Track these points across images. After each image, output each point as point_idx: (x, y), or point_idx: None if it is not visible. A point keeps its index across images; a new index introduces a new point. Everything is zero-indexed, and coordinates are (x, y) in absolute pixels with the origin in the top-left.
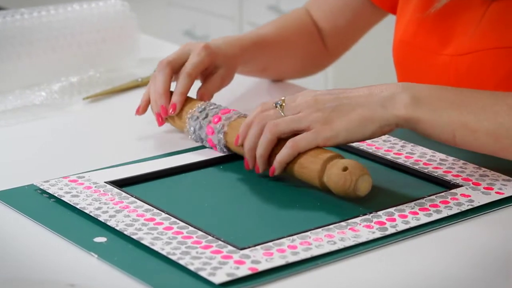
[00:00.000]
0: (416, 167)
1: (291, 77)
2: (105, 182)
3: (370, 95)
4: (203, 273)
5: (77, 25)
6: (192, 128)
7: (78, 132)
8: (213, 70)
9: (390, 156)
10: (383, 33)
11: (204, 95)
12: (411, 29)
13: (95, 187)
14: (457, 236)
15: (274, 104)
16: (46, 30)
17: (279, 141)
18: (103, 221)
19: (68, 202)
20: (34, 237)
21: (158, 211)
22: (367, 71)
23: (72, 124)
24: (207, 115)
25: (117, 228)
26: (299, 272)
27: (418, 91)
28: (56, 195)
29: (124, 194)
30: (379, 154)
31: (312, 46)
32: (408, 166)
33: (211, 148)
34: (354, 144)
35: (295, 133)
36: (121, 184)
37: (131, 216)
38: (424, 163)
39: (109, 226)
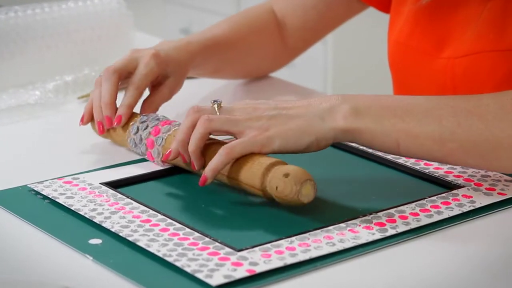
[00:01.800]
0: (417, 167)
1: (246, 77)
2: (100, 183)
3: (309, 106)
4: (200, 275)
5: (72, 23)
6: (133, 142)
7: (73, 132)
8: (162, 79)
9: (391, 156)
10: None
11: (149, 108)
12: (407, 29)
13: (90, 188)
14: (459, 238)
15: (211, 101)
16: (41, 28)
17: (212, 148)
18: (98, 222)
19: (63, 203)
20: (27, 238)
21: (154, 212)
22: (367, 72)
23: (67, 124)
24: (147, 127)
25: (113, 230)
26: (298, 275)
27: (358, 101)
28: (50, 196)
29: (119, 195)
30: (379, 154)
31: (270, 45)
32: (408, 167)
33: (152, 162)
34: (353, 144)
35: (227, 137)
36: (116, 185)
37: (127, 217)
38: (425, 164)
39: (104, 227)
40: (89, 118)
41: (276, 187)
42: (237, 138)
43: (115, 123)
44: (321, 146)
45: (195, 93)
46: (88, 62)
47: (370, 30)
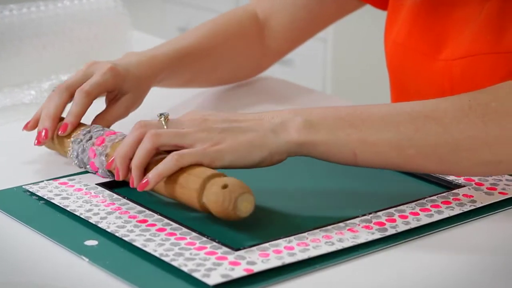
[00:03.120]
0: None
1: (220, 85)
2: (96, 184)
3: (260, 121)
4: (197, 275)
5: (68, 21)
6: (75, 152)
7: None
8: (118, 95)
9: None
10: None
11: (101, 123)
12: (405, 29)
13: (86, 189)
14: (459, 237)
15: (158, 115)
16: (36, 27)
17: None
18: (94, 223)
19: (58, 204)
20: (22, 240)
21: (150, 212)
22: (366, 70)
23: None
24: (91, 137)
25: (109, 230)
26: (296, 274)
27: (311, 114)
28: (45, 197)
29: (115, 195)
30: None
31: (249, 51)
32: None
33: (94, 173)
34: None
35: (176, 149)
36: (112, 186)
37: (123, 217)
38: None
39: (100, 229)
40: (33, 126)
41: (213, 200)
42: None
43: (60, 132)
44: (274, 161)
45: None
46: (84, 61)
47: (370, 28)
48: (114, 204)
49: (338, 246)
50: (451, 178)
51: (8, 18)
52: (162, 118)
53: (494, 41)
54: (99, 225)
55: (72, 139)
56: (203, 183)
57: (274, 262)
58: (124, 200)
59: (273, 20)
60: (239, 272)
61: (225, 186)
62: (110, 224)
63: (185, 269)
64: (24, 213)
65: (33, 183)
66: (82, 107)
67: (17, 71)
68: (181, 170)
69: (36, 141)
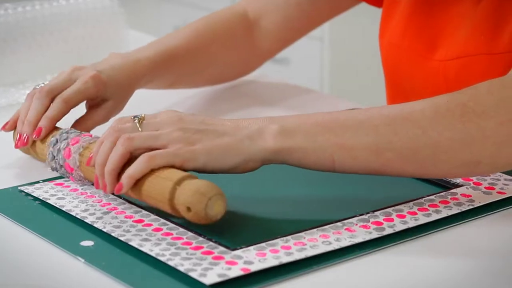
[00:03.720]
0: None
1: (207, 85)
2: (92, 183)
3: (237, 127)
4: (193, 274)
5: (63, 21)
6: (50, 155)
7: None
8: (100, 102)
9: None
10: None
11: (80, 129)
12: (400, 28)
13: (82, 189)
14: (457, 237)
15: (132, 117)
16: (31, 26)
17: (131, 160)
18: (90, 223)
19: (54, 204)
20: (17, 240)
21: (147, 212)
22: (364, 70)
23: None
24: (67, 138)
25: (104, 230)
26: (293, 273)
27: (287, 122)
28: (41, 197)
29: (111, 195)
30: None
31: (237, 51)
32: None
33: (68, 177)
34: None
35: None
36: None
37: (119, 218)
38: None
39: (96, 229)
40: (12, 127)
41: (185, 202)
42: None
43: (34, 136)
44: (248, 168)
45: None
46: (79, 60)
47: (366, 27)
48: (110, 204)
49: (336, 245)
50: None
51: (3, 17)
52: (136, 121)
53: (489, 42)
54: (95, 225)
55: (48, 142)
56: (174, 185)
57: (271, 261)
58: (120, 200)
59: (265, 19)
60: (236, 271)
61: (197, 189)
62: (106, 224)
63: (181, 268)
64: (19, 213)
65: (28, 184)
66: (59, 113)
67: (12, 71)
68: (152, 172)
69: (17, 144)
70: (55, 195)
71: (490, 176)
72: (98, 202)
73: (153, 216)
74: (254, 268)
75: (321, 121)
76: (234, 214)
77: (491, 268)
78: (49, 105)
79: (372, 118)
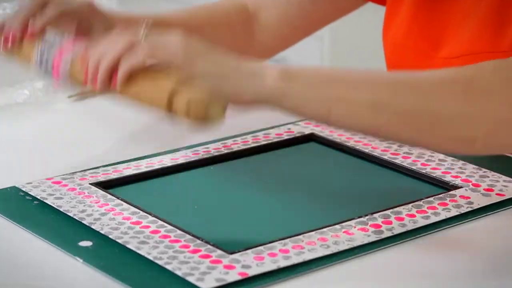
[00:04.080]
0: (414, 167)
1: None
2: (90, 183)
3: (240, 62)
4: (191, 279)
5: None
6: (40, 51)
7: (63, 132)
8: (86, 32)
9: (387, 156)
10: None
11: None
12: (404, 27)
13: (80, 189)
14: (456, 239)
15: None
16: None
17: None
18: (87, 224)
19: (52, 204)
20: (16, 240)
21: (144, 213)
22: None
23: (57, 124)
24: (62, 36)
25: (102, 232)
26: (291, 278)
27: (290, 67)
28: (39, 197)
29: (109, 196)
30: (376, 154)
31: (234, 41)
32: (405, 167)
33: (53, 79)
34: (349, 144)
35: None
36: (106, 185)
37: (117, 219)
38: (422, 164)
39: (95, 230)
40: None
41: (190, 100)
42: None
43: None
44: (240, 101)
45: None
46: None
47: (367, 26)
48: (108, 204)
49: (334, 249)
50: (448, 179)
51: (1, 17)
52: (143, 30)
53: (493, 40)
54: (93, 227)
55: (39, 39)
56: (178, 83)
57: (269, 265)
58: (118, 201)
59: (264, 13)
60: (233, 276)
61: (201, 90)
62: (103, 226)
63: (179, 273)
64: (17, 213)
65: (26, 183)
66: (50, 17)
67: (10, 70)
68: (146, 70)
69: (1, 47)
70: (52, 194)
71: (489, 177)
72: (96, 203)
73: (151, 218)
74: (252, 272)
75: (323, 72)
76: (232, 217)
77: (490, 268)
78: (40, 9)
79: (375, 77)
